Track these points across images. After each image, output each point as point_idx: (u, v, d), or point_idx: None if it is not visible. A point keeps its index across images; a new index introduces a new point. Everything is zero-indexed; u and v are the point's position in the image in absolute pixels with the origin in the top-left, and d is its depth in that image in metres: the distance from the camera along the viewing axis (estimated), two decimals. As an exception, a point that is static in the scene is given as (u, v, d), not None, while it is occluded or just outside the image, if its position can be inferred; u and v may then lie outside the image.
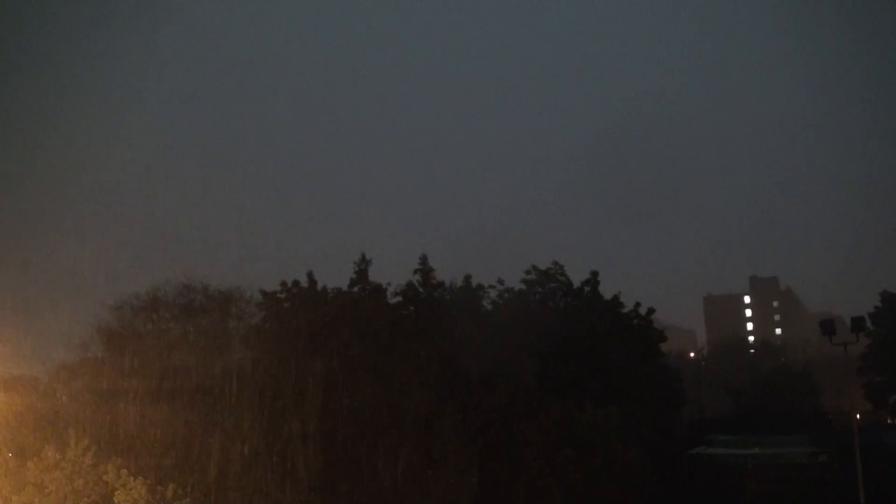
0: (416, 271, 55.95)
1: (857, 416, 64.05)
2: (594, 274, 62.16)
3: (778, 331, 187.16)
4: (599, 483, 46.45)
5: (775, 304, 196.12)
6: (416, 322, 53.94)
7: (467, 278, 58.16)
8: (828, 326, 47.79)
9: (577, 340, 55.58)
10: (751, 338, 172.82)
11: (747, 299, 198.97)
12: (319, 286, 54.68)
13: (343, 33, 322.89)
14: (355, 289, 54.64)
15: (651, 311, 64.75)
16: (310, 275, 54.67)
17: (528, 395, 49.80)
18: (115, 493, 41.03)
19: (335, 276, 55.86)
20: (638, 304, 64.41)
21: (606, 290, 62.76)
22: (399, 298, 55.66)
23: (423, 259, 56.25)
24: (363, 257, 55.17)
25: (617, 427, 47.56)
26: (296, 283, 54.74)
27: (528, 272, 62.48)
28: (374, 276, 55.38)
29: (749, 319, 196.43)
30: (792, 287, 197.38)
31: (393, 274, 56.82)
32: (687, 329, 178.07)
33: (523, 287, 62.45)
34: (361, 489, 47.09)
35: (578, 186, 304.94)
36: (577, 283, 62.12)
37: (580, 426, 47.31)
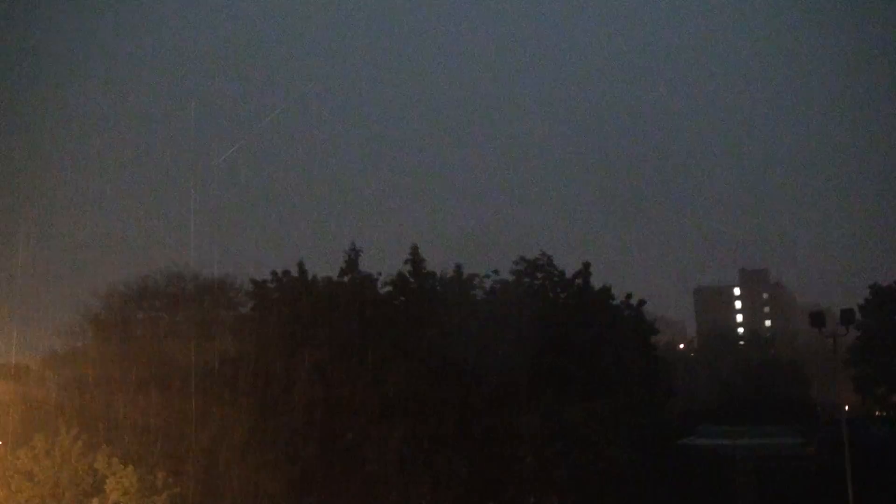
0: (406, 261, 55.86)
1: (846, 407, 64.33)
2: (586, 266, 62.05)
3: (767, 323, 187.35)
4: (585, 479, 46.69)
5: (765, 296, 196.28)
6: (406, 312, 53.89)
7: (458, 268, 58.06)
8: (817, 319, 47.96)
9: (569, 332, 55.55)
10: (740, 329, 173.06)
11: (737, 291, 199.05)
12: (309, 276, 54.59)
13: (339, 29, 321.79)
14: (345, 278, 54.56)
15: (642, 302, 64.80)
16: (300, 264, 54.60)
17: (518, 387, 49.84)
18: (106, 480, 40.99)
19: (326, 266, 55.80)
20: (629, 296, 64.47)
21: (597, 282, 62.69)
22: (389, 288, 55.57)
23: (414, 249, 56.14)
24: (353, 247, 55.05)
25: (605, 421, 47.70)
26: (286, 272, 54.64)
27: (515, 262, 62.41)
28: (365, 266, 55.34)
29: (739, 311, 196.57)
30: (782, 279, 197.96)
31: (384, 265, 56.74)
32: (677, 320, 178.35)
33: (513, 278, 62.34)
34: (351, 478, 47.16)
35: (570, 178, 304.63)
36: (568, 275, 62.06)
37: (569, 421, 47.42)
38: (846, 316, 48.80)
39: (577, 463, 46.79)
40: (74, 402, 47.28)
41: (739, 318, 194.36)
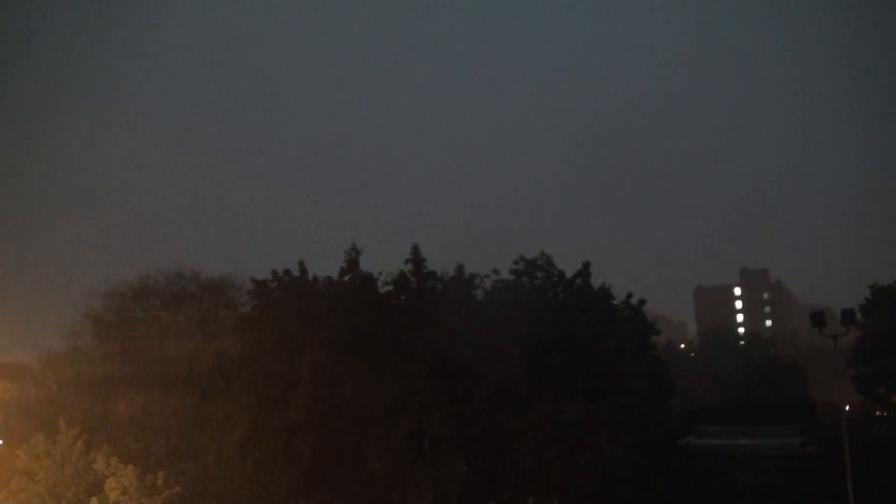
0: (407, 261, 55.81)
1: (847, 407, 64.22)
2: (586, 265, 62.10)
3: (768, 322, 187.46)
4: (585, 479, 46.67)
5: (765, 295, 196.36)
6: (406, 312, 53.85)
7: (459, 268, 58.09)
8: (818, 318, 47.71)
9: (569, 331, 55.54)
10: (741, 329, 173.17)
11: (738, 291, 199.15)
12: (310, 275, 54.55)
13: (338, 27, 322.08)
14: (346, 278, 54.50)
15: (642, 301, 64.85)
16: (301, 264, 54.54)
17: (517, 386, 49.81)
18: (106, 480, 41.00)
19: (327, 266, 55.80)
20: (630, 295, 64.52)
21: (598, 281, 62.80)
22: (390, 288, 55.50)
23: (415, 249, 56.08)
24: (353, 246, 54.94)
25: (605, 421, 47.66)
26: (287, 272, 54.59)
27: (515, 262, 62.46)
28: (366, 266, 55.28)
29: (739, 311, 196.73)
30: (782, 279, 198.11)
31: (385, 264, 56.71)
32: (677, 320, 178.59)
33: (513, 277, 62.37)
34: (351, 478, 47.15)
35: (570, 178, 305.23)
36: (568, 275, 62.06)
37: (569, 421, 47.38)
38: (846, 316, 48.62)
39: (576, 463, 46.75)
40: (75, 401, 47.30)
41: (740, 317, 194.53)
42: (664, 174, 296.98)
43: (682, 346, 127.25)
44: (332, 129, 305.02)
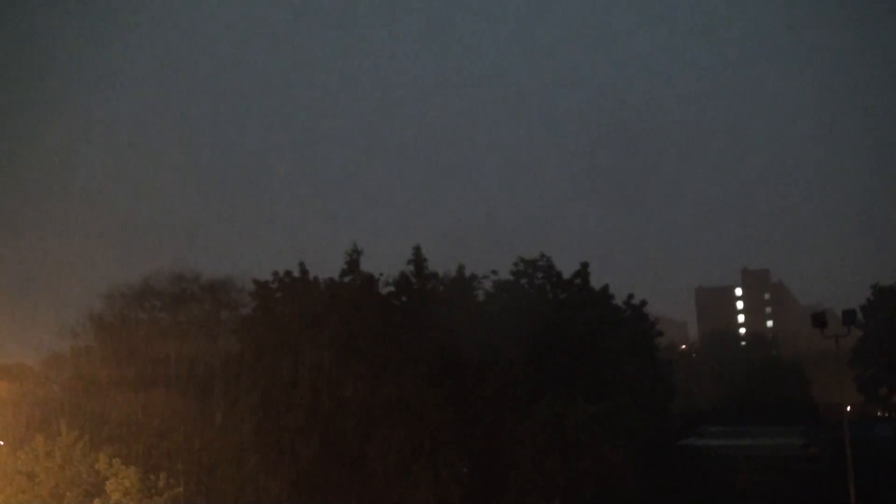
0: (409, 262, 55.76)
1: (848, 408, 64.18)
2: (584, 265, 62.12)
3: (769, 323, 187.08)
4: (586, 483, 46.62)
5: (767, 296, 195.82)
6: (408, 312, 53.80)
7: (460, 269, 58.13)
8: (819, 319, 47.65)
9: (569, 332, 55.53)
10: (742, 330, 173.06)
11: (739, 291, 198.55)
12: (311, 276, 54.52)
13: (338, 28, 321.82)
14: (347, 279, 54.47)
15: (643, 302, 64.82)
16: (301, 265, 54.52)
17: (518, 388, 49.69)
18: (107, 481, 41.02)
19: (328, 267, 55.72)
20: (631, 296, 64.49)
21: (598, 282, 62.81)
22: (391, 288, 55.46)
23: (417, 250, 56.05)
24: (354, 247, 54.87)
25: (605, 424, 47.58)
26: (288, 273, 54.55)
27: (515, 263, 62.54)
28: (368, 267, 55.22)
29: (740, 312, 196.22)
30: (783, 280, 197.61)
31: (386, 265, 56.65)
32: (678, 321, 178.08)
33: (512, 278, 62.47)
34: (352, 479, 47.11)
35: (570, 178, 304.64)
36: (568, 275, 62.12)
37: (569, 424, 47.29)
38: (848, 316, 48.56)
39: (577, 465, 46.69)
40: (76, 402, 47.30)
41: (741, 318, 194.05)
42: (664, 174, 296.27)
43: (684, 346, 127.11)
44: (332, 129, 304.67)
